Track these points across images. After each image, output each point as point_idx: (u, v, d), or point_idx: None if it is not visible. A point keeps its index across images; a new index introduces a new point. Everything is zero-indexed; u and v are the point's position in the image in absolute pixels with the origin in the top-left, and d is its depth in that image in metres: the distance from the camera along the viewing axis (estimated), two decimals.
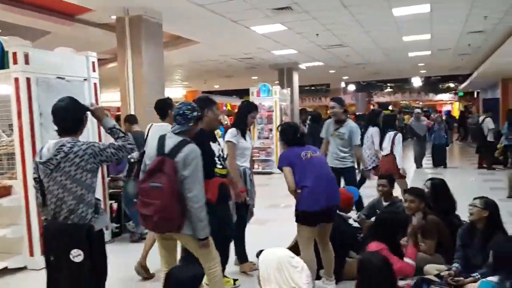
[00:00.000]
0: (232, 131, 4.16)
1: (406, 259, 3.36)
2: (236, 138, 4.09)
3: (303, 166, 3.39)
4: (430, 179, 4.63)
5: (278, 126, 3.88)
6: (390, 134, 6.32)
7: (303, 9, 7.42)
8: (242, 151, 4.14)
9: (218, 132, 7.51)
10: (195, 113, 2.90)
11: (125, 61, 7.19)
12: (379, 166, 6.50)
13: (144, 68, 7.12)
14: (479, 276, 3.35)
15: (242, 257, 4.24)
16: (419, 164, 11.28)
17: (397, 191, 5.28)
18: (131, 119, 5.83)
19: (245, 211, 4.12)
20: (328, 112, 6.20)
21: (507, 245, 2.87)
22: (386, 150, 6.30)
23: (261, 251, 2.62)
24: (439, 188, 4.44)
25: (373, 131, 6.71)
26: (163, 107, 4.28)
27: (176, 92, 23.00)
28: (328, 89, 26.62)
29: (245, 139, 4.19)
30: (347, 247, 4.02)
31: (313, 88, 32.57)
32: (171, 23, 7.88)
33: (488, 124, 11.35)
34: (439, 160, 11.37)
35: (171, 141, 2.80)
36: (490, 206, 3.59)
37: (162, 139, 2.86)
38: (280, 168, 3.49)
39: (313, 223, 3.38)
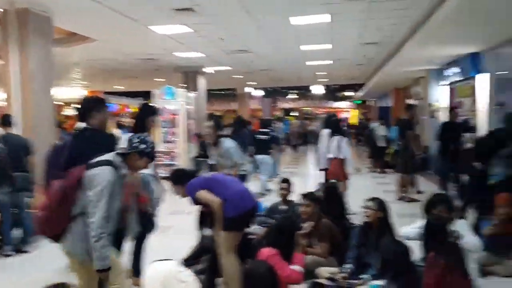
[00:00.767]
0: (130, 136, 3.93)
1: (294, 266, 3.41)
2: None
3: (214, 183, 3.55)
4: (322, 184, 4.79)
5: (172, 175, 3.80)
6: (336, 138, 6.55)
7: (206, 12, 7.31)
8: None
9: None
10: (142, 146, 2.80)
11: (10, 57, 6.51)
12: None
13: (31, 65, 6.49)
14: (370, 277, 3.50)
15: (136, 271, 3.98)
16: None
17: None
18: (5, 121, 5.36)
19: (146, 221, 3.88)
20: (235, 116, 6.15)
21: (392, 249, 3.00)
22: (333, 153, 6.52)
23: (158, 261, 2.49)
24: (331, 192, 4.61)
25: (325, 134, 6.91)
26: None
27: (74, 92, 21.54)
28: (235, 94, 26.85)
29: None
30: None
31: (222, 92, 32.68)
32: (63, 18, 7.31)
33: (380, 130, 12.22)
34: None
35: (104, 155, 2.70)
36: (383, 207, 3.79)
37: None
38: (194, 198, 3.53)
39: (241, 228, 3.53)
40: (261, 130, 9.16)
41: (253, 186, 8.84)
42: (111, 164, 2.63)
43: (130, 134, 3.97)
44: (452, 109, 7.79)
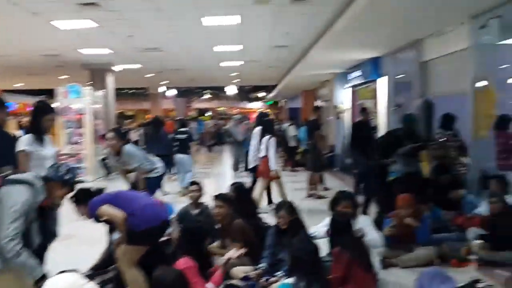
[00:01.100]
0: (26, 138, 3.65)
1: (209, 285, 3.40)
2: (32, 146, 3.61)
3: (117, 198, 3.39)
4: (232, 183, 4.81)
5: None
6: (266, 138, 6.75)
7: (112, 7, 6.97)
8: (41, 161, 3.61)
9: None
10: (68, 176, 2.79)
11: None
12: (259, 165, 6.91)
13: None
14: (283, 273, 3.57)
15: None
16: (235, 168, 11.56)
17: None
18: None
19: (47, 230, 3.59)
20: (147, 116, 6.04)
21: (300, 247, 3.10)
22: (263, 152, 6.73)
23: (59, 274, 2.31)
24: (242, 191, 4.65)
25: (256, 132, 7.12)
26: None
27: None
28: (147, 93, 26.09)
29: (43, 147, 3.70)
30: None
31: (133, 91, 31.60)
32: None
33: (291, 131, 12.64)
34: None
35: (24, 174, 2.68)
36: (293, 211, 3.92)
37: None
38: (95, 215, 3.34)
39: (148, 242, 3.35)
40: (179, 129, 9.19)
41: (168, 187, 8.78)
42: (29, 184, 2.55)
43: (53, 151, 3.74)
44: (364, 109, 8.15)
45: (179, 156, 8.78)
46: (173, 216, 4.40)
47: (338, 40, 7.98)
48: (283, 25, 8.42)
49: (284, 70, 16.08)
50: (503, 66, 7.66)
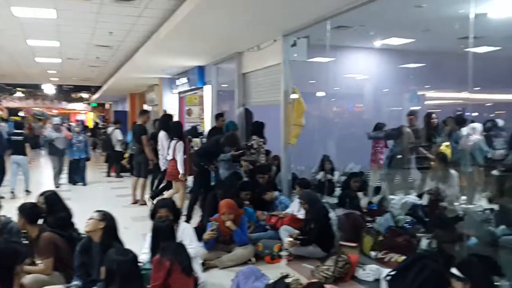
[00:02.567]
0: None
1: None
2: None
3: None
4: (42, 193, 4.37)
5: None
6: (174, 142, 6.74)
7: None
8: None
9: None
10: None
11: None
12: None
13: None
14: None
15: None
16: (57, 183, 9.98)
17: None
18: None
19: None
20: None
21: (115, 259, 2.96)
22: (170, 156, 6.78)
23: None
24: (53, 200, 4.27)
25: (162, 136, 7.23)
26: None
27: None
28: None
29: None
30: None
31: None
32: None
33: (117, 135, 12.10)
34: (80, 177, 10.36)
35: None
36: (107, 218, 3.66)
37: None
38: None
39: None
40: (15, 131, 9.01)
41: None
42: None
43: None
44: (220, 115, 8.09)
45: (16, 158, 8.71)
46: None
47: (163, 46, 7.97)
48: (105, 24, 8.02)
49: (108, 70, 15.31)
50: (312, 81, 8.77)
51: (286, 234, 5.14)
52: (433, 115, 7.17)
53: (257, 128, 7.33)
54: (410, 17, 6.44)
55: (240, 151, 6.48)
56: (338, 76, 9.26)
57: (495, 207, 5.42)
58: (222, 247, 4.91)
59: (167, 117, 8.04)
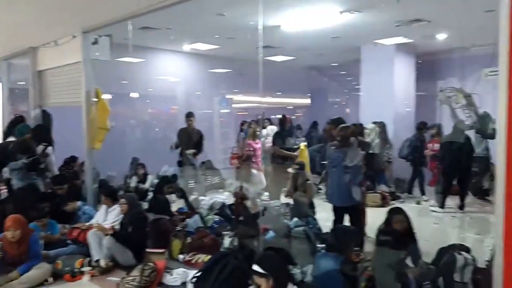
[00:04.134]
0: None
1: None
2: None
3: None
4: None
5: None
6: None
7: None
8: None
9: None
10: None
11: None
12: None
13: None
14: None
15: None
16: None
17: None
18: None
19: None
20: None
21: None
22: None
23: None
24: None
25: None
26: None
27: None
28: None
29: None
30: None
31: None
32: None
33: None
34: None
35: None
36: None
37: None
38: None
39: None
40: None
41: None
42: None
43: None
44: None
45: None
46: None
47: None
48: None
49: None
50: (125, 82, 8.41)
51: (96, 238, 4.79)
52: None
53: (39, 134, 6.48)
54: (214, 24, 6.69)
55: (33, 158, 5.74)
56: (151, 78, 9.13)
57: (291, 201, 5.98)
58: (10, 270, 4.27)
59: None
